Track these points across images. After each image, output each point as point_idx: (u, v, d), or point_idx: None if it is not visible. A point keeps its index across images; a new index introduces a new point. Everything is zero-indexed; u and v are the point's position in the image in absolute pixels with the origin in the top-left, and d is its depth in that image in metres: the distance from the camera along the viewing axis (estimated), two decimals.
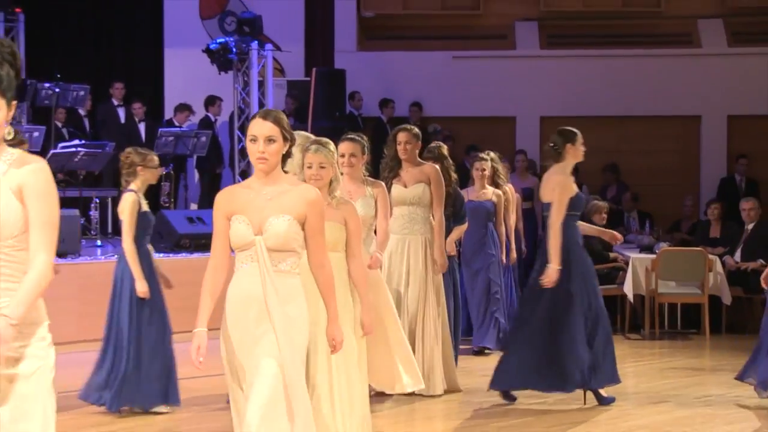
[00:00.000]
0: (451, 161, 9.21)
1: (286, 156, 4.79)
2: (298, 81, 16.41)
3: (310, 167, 5.87)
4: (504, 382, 8.15)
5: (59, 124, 14.72)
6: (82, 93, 14.74)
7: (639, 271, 11.77)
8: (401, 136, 8.51)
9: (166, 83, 16.96)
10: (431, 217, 8.46)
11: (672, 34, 17.36)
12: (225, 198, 4.80)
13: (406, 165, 8.54)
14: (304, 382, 4.71)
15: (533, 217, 13.78)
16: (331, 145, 6.02)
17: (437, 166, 8.65)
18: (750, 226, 12.48)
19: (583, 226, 8.43)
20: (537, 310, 8.03)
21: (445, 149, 9.22)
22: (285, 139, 4.72)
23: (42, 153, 13.51)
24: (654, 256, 11.84)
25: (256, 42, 15.11)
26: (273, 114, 4.76)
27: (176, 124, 15.28)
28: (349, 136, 7.39)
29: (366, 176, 7.36)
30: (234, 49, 14.96)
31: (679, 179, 16.68)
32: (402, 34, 17.40)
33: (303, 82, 16.12)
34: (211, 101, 15.67)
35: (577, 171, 15.73)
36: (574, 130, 8.17)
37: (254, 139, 4.69)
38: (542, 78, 16.89)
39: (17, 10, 15.63)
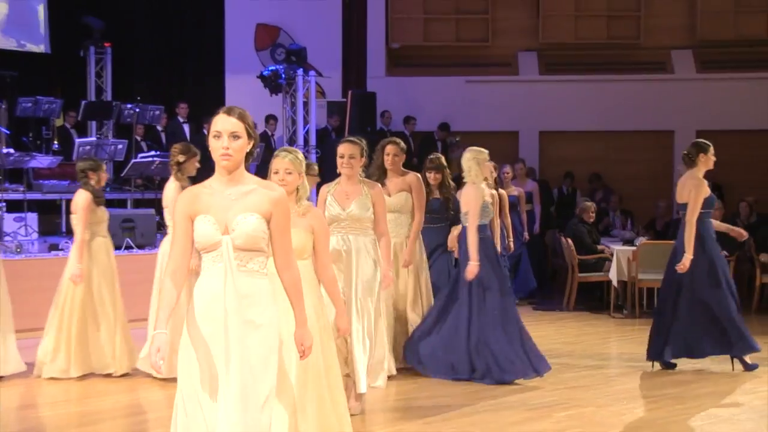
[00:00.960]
0: (449, 170, 8.67)
1: (249, 155, 3.93)
2: (336, 102, 16.38)
3: (276, 173, 5.09)
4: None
5: (138, 138, 14.78)
6: (157, 112, 14.82)
7: (622, 260, 11.68)
8: (390, 149, 7.83)
9: (226, 104, 16.98)
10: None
11: (649, 62, 17.28)
12: (187, 199, 3.88)
13: (391, 174, 7.87)
14: (264, 393, 3.78)
15: (532, 216, 13.61)
16: (299, 154, 5.20)
17: (419, 175, 7.99)
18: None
19: (715, 223, 8.32)
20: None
21: (443, 159, 8.62)
22: (249, 136, 3.87)
23: (124, 162, 13.58)
24: (635, 248, 11.76)
25: (302, 69, 15.11)
26: (237, 110, 3.89)
27: None
28: (349, 138, 6.66)
29: (362, 178, 6.61)
30: (283, 75, 14.96)
31: (655, 184, 16.57)
32: (423, 62, 17.37)
33: (340, 102, 16.10)
34: (267, 119, 15.68)
35: (572, 177, 15.91)
36: (707, 142, 8.11)
37: (218, 135, 3.84)
38: (541, 99, 16.84)
39: (106, 44, 15.74)
